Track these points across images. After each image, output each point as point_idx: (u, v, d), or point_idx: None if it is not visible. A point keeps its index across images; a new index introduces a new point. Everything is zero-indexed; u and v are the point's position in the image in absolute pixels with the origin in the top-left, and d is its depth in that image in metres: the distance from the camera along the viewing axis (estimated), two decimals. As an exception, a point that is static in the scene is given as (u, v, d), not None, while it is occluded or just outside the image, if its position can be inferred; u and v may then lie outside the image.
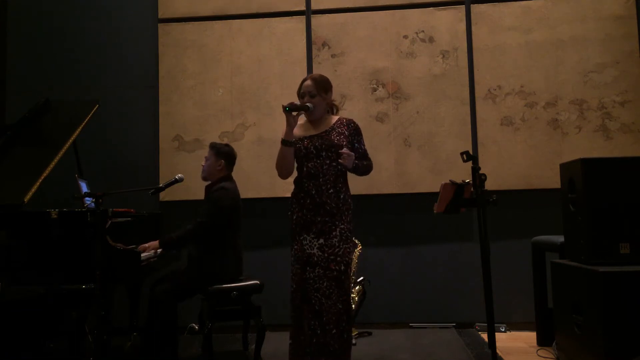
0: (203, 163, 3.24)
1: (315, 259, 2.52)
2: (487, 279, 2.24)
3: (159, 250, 3.08)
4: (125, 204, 3.52)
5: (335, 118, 2.70)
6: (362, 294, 3.69)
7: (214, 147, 3.23)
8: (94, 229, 2.63)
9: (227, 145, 3.29)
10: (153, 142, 4.31)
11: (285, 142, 2.56)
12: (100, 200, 2.60)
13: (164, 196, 4.09)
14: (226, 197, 3.08)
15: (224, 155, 3.21)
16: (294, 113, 2.54)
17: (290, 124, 2.54)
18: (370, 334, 3.85)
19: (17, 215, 2.74)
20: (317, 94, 2.62)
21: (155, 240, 3.08)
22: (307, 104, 2.58)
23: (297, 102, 2.63)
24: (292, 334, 2.57)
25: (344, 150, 2.53)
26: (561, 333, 2.98)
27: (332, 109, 2.74)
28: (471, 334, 3.79)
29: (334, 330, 2.48)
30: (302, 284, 2.52)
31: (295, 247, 2.60)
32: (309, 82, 2.64)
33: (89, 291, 2.63)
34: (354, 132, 2.67)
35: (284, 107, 2.51)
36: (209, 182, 3.22)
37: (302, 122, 2.71)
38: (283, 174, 2.65)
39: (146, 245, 3.04)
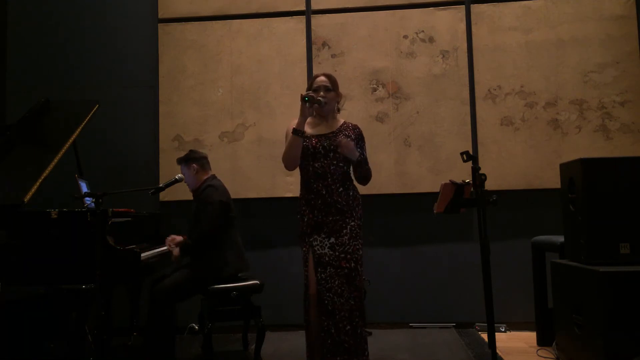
0: (183, 181, 3.25)
1: (327, 258, 2.52)
2: (487, 279, 2.24)
3: (158, 251, 3.09)
4: (125, 204, 3.52)
5: (341, 120, 2.72)
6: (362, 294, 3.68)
7: (180, 161, 3.27)
8: (94, 229, 2.64)
9: (190, 151, 3.33)
10: (153, 142, 4.30)
11: (297, 132, 2.53)
12: (100, 200, 2.61)
13: (164, 196, 4.08)
14: (216, 193, 3.10)
15: (191, 160, 3.24)
16: (308, 105, 2.52)
17: (305, 114, 2.52)
18: (370, 334, 3.84)
19: (17, 215, 2.74)
20: (332, 89, 2.64)
21: (158, 239, 3.09)
22: (320, 98, 2.56)
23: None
24: (307, 335, 2.59)
25: (342, 139, 2.52)
26: (561, 333, 2.98)
27: (338, 109, 2.75)
28: (471, 334, 3.79)
29: (348, 327, 2.49)
30: (314, 286, 2.53)
31: (304, 249, 2.60)
32: (323, 77, 2.65)
33: (89, 291, 2.63)
34: (358, 137, 2.68)
35: (303, 97, 2.49)
36: (195, 188, 3.24)
37: (310, 119, 2.70)
38: (290, 164, 2.62)
39: (173, 237, 3.10)
